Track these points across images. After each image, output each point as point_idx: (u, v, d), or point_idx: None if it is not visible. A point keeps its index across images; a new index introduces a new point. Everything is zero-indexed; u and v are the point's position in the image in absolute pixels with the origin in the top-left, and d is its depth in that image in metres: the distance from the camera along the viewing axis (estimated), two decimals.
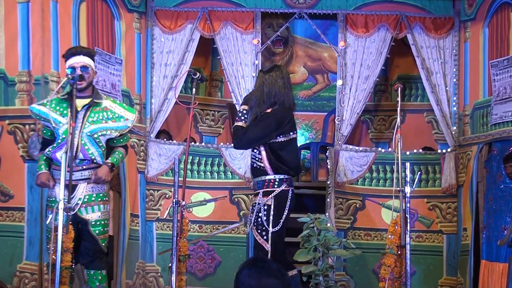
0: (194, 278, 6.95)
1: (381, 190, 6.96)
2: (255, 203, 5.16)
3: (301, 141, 8.44)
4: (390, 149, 7.47)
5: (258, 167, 5.19)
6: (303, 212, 6.99)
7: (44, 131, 5.05)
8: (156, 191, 7.13)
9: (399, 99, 4.87)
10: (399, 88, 4.96)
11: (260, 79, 5.32)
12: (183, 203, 4.51)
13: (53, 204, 4.79)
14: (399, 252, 4.66)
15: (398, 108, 4.83)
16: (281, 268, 2.68)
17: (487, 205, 6.43)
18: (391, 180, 6.90)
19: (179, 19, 7.30)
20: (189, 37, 7.23)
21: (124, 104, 5.38)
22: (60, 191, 4.42)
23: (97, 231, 4.90)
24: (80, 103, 4.86)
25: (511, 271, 5.50)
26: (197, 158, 7.17)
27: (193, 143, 7.45)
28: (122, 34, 6.81)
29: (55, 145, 4.83)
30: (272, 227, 4.97)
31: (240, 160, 7.09)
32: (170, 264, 4.63)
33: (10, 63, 5.66)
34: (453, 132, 7.06)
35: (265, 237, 4.96)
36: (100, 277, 4.95)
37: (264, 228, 4.98)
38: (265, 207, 5.07)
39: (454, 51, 7.14)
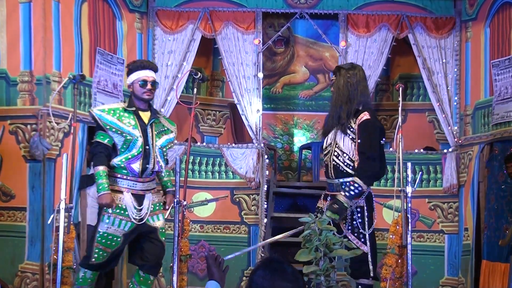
0: (195, 278, 6.95)
1: (383, 190, 6.94)
2: None
3: (302, 141, 8.44)
4: (391, 149, 7.46)
5: (346, 171, 4.98)
6: (304, 212, 6.99)
7: (102, 136, 4.92)
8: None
9: (400, 98, 4.86)
10: (401, 88, 4.94)
11: (344, 76, 5.07)
12: (185, 203, 4.52)
13: (122, 212, 4.84)
14: (400, 252, 4.65)
15: (400, 108, 4.83)
16: (296, 272, 2.64)
17: (488, 205, 6.42)
18: (392, 180, 6.89)
19: (181, 19, 7.30)
20: (190, 37, 7.24)
21: (166, 116, 5.49)
22: (62, 192, 4.42)
23: (163, 238, 5.10)
24: (145, 115, 5.01)
25: None
26: (198, 158, 7.17)
27: (194, 143, 7.45)
28: (123, 34, 6.82)
29: (130, 156, 4.86)
30: (368, 229, 4.92)
31: (241, 160, 7.09)
32: (171, 264, 4.63)
33: (12, 63, 5.67)
34: (455, 132, 7.06)
35: (362, 240, 4.89)
36: (149, 281, 5.13)
37: (360, 230, 4.91)
38: (358, 209, 4.92)
39: (455, 51, 7.14)
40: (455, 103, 7.11)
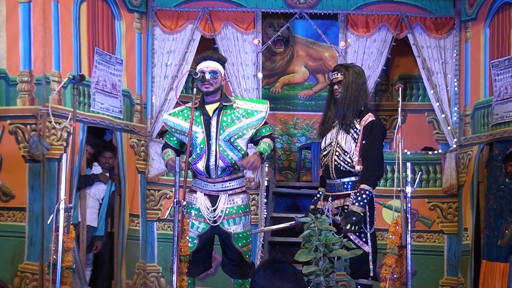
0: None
1: (382, 190, 6.94)
2: (343, 205, 4.93)
3: (302, 141, 8.44)
4: (391, 149, 7.46)
5: (349, 170, 4.95)
6: (304, 212, 6.98)
7: (168, 136, 4.84)
8: (156, 191, 7.13)
9: (400, 99, 4.86)
10: (400, 88, 4.94)
11: (352, 75, 4.99)
12: (184, 203, 4.50)
13: (195, 212, 4.65)
14: (400, 252, 4.65)
15: (399, 108, 4.82)
16: (297, 272, 2.64)
17: (488, 205, 6.43)
18: (392, 180, 6.90)
19: (180, 19, 7.30)
20: (189, 37, 7.24)
21: (254, 98, 5.05)
22: (62, 192, 4.42)
23: (240, 244, 4.74)
24: (210, 108, 4.69)
25: (511, 271, 5.50)
26: None
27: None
28: (122, 34, 6.82)
29: (194, 156, 4.61)
30: (370, 228, 4.91)
31: None
32: (171, 265, 4.62)
33: (11, 63, 5.67)
34: (454, 132, 7.06)
35: (364, 239, 4.88)
36: (247, 286, 4.78)
37: (362, 230, 4.86)
38: None
39: (455, 51, 7.14)
40: (454, 103, 7.11)
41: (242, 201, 4.77)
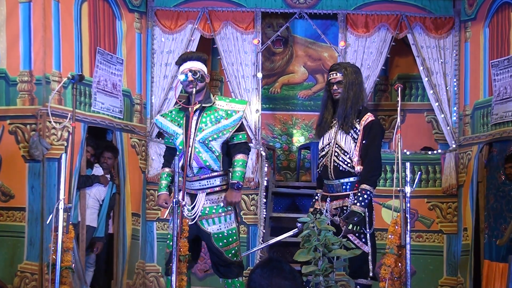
0: (195, 278, 6.95)
1: (381, 190, 6.92)
2: (342, 206, 4.94)
3: (301, 141, 8.45)
4: (390, 149, 7.46)
5: (348, 170, 4.93)
6: (303, 212, 6.99)
7: (166, 140, 5.03)
8: (156, 191, 7.09)
9: (399, 98, 4.86)
10: (399, 88, 4.94)
11: (351, 75, 4.98)
12: (183, 202, 4.50)
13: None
14: (399, 252, 4.65)
15: (398, 108, 4.82)
16: (294, 270, 2.66)
17: (487, 205, 6.43)
18: (391, 180, 6.90)
19: (180, 19, 7.31)
20: (189, 37, 7.25)
21: (235, 99, 5.08)
22: (62, 192, 4.42)
23: (220, 244, 4.77)
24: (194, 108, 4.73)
25: (511, 271, 5.52)
26: None
27: None
28: (123, 34, 6.82)
29: (176, 157, 4.63)
30: (369, 229, 4.91)
31: None
32: (170, 264, 4.62)
33: (11, 63, 5.67)
34: (454, 132, 7.07)
35: (363, 240, 4.89)
36: (238, 284, 4.83)
37: (361, 230, 4.86)
38: None
39: (455, 51, 7.15)
40: (454, 103, 7.12)
41: (222, 201, 4.80)
